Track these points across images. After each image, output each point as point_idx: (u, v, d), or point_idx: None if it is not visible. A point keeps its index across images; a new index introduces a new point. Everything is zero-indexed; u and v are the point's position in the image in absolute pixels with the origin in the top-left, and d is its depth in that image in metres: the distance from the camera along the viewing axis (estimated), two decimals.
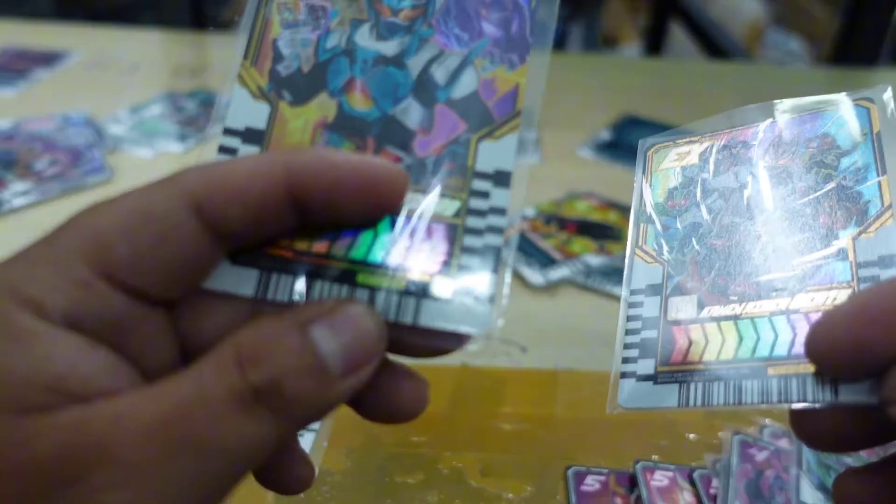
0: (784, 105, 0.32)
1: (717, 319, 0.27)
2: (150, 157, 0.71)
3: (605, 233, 0.65)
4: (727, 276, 0.28)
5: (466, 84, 0.25)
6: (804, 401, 0.24)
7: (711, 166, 0.32)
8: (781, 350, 0.25)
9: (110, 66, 0.87)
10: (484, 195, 0.23)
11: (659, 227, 0.31)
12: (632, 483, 0.41)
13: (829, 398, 0.23)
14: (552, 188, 0.71)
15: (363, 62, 0.25)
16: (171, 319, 0.21)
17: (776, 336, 0.26)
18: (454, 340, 0.22)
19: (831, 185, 0.29)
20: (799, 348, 0.25)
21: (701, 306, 0.28)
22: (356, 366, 0.20)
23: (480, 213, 0.23)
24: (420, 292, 0.22)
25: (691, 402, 0.26)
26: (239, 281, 0.22)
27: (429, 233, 0.23)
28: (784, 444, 0.43)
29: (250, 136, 0.24)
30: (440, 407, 0.46)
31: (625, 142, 0.80)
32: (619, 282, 0.49)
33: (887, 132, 0.29)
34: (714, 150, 0.33)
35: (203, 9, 1.17)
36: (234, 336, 0.19)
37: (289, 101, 0.25)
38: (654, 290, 0.29)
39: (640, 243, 0.31)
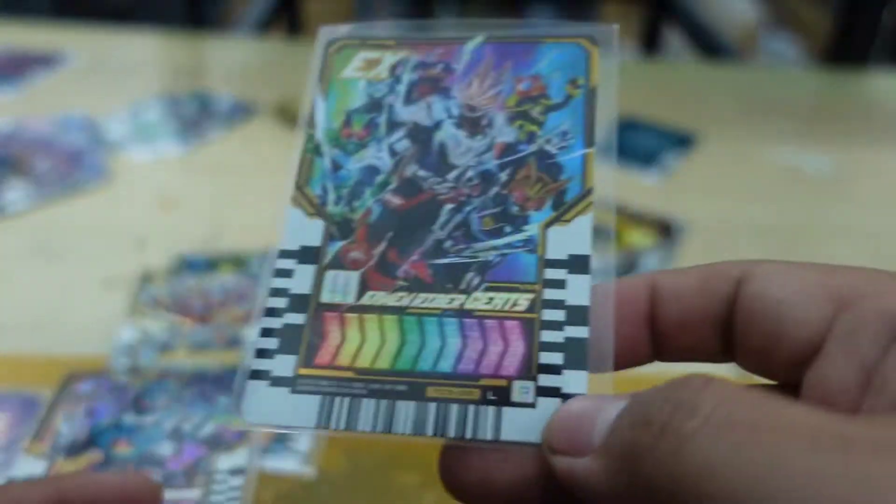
0: (499, 25, 0.25)
1: (380, 311, 0.22)
2: (149, 159, 0.69)
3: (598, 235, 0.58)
4: (400, 250, 0.23)
5: None
6: (463, 435, 0.20)
7: (404, 88, 0.25)
8: (446, 364, 0.21)
9: (109, 68, 0.86)
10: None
11: (328, 163, 0.24)
12: None
13: (491, 435, 0.20)
14: None
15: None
16: None
17: (443, 344, 0.21)
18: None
19: (533, 147, 0.24)
20: (467, 365, 0.21)
21: (363, 289, 0.22)
22: None
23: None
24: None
25: (333, 423, 0.20)
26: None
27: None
28: None
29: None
30: None
31: (622, 144, 0.75)
32: None
33: (605, 90, 0.24)
34: (410, 65, 0.26)
35: (202, 10, 1.20)
36: None
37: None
38: (310, 255, 0.23)
39: (300, 183, 0.24)
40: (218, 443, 0.41)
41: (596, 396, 0.19)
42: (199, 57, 0.94)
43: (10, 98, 0.78)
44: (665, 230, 0.60)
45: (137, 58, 0.89)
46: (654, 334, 0.21)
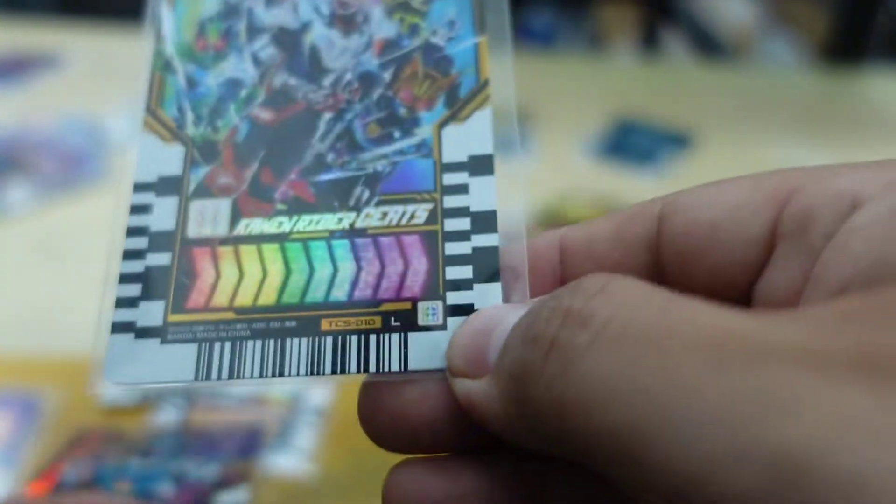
0: None
1: (258, 240, 0.19)
2: None
3: None
4: (276, 170, 0.20)
5: None
6: (366, 369, 0.17)
7: None
8: (340, 292, 0.18)
9: (111, 68, 0.81)
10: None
11: (182, 80, 0.21)
12: None
13: (398, 366, 0.17)
14: (548, 191, 0.67)
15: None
16: None
17: (335, 270, 0.18)
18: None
19: (417, 41, 0.21)
20: (364, 290, 0.18)
21: (236, 217, 0.19)
22: None
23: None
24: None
25: (214, 373, 0.17)
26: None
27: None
28: None
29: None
30: None
31: (619, 144, 0.75)
32: None
33: None
34: None
35: None
36: None
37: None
38: (170, 186, 0.20)
39: (152, 106, 0.21)
40: (220, 484, 0.39)
41: (500, 307, 0.17)
42: None
43: (12, 98, 0.78)
44: None
45: (141, 58, 0.86)
46: None
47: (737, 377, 0.11)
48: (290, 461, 0.41)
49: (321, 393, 0.45)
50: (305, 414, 0.44)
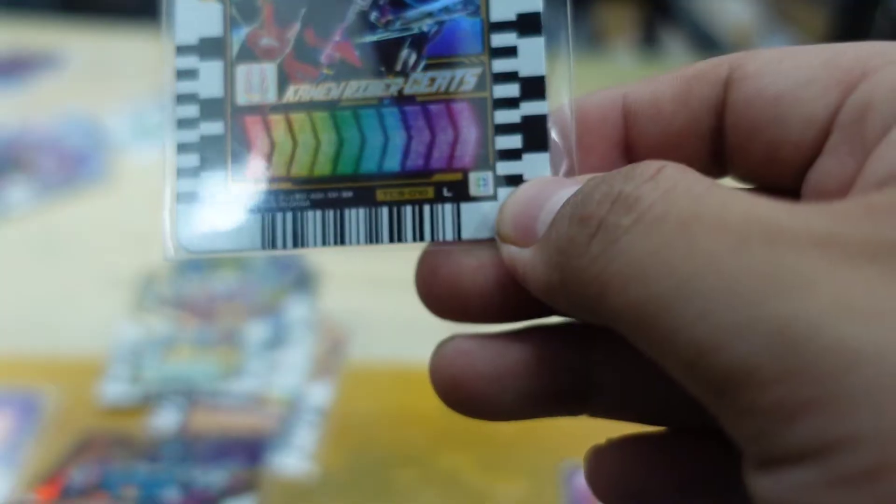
0: None
1: (308, 108, 0.19)
2: (151, 159, 0.68)
3: None
4: (319, 30, 0.19)
5: None
6: (421, 238, 0.18)
7: None
8: (392, 162, 0.19)
9: (112, 68, 0.83)
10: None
11: None
12: None
13: (451, 235, 0.18)
14: None
15: None
16: None
17: (386, 139, 0.19)
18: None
19: None
20: (416, 160, 0.19)
21: (284, 83, 0.19)
22: None
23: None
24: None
25: (279, 242, 0.19)
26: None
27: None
28: None
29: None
30: (436, 403, 0.36)
31: None
32: None
33: None
34: None
35: None
36: None
37: None
38: (213, 48, 0.19)
39: None
40: (227, 491, 0.39)
41: (550, 180, 0.18)
42: None
43: (12, 98, 0.78)
44: None
45: (140, 58, 0.82)
46: (632, 160, 0.18)
47: (754, 256, 0.12)
48: (290, 461, 0.41)
49: (321, 393, 0.46)
50: (305, 414, 0.44)
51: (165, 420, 0.43)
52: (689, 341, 0.12)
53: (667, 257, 0.13)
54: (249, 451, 0.42)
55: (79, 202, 0.63)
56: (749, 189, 0.18)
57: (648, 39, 1.56)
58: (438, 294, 0.18)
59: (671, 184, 0.14)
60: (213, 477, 0.40)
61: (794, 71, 0.16)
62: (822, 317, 0.11)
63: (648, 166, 0.15)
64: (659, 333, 0.13)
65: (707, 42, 1.37)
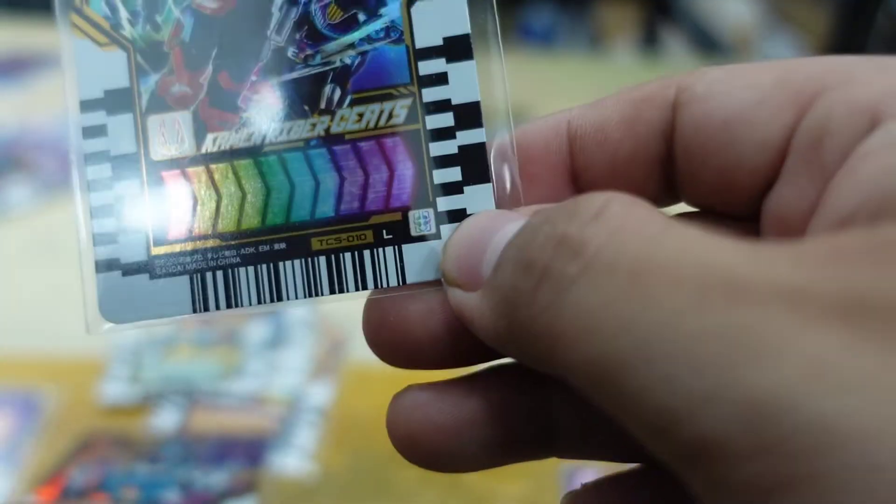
0: None
1: (230, 157, 0.18)
2: None
3: None
4: (234, 72, 0.18)
5: None
6: (364, 286, 0.17)
7: None
8: (326, 207, 0.17)
9: None
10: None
11: None
12: None
13: (395, 281, 0.17)
14: None
15: None
16: None
17: (317, 183, 0.18)
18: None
19: None
20: (351, 203, 0.17)
21: (201, 132, 0.18)
22: None
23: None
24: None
25: (211, 304, 0.17)
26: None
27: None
28: None
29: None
30: None
31: None
32: None
33: None
34: None
35: None
36: None
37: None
38: (121, 101, 0.18)
39: (77, 3, 0.18)
40: (227, 493, 0.39)
41: (494, 214, 0.16)
42: None
43: (12, 98, 0.78)
44: None
45: None
46: (579, 189, 0.17)
47: (716, 315, 0.11)
48: (290, 461, 0.41)
49: (321, 393, 0.45)
50: (305, 414, 0.44)
51: (165, 420, 0.44)
52: (653, 407, 0.11)
53: (620, 311, 0.12)
54: (249, 451, 0.42)
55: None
56: (704, 218, 0.17)
57: (649, 39, 1.54)
58: (387, 343, 0.17)
59: (618, 223, 0.13)
60: (214, 478, 0.40)
61: (744, 91, 0.15)
62: (797, 387, 0.10)
63: (592, 201, 0.13)
64: (618, 393, 0.12)
65: (707, 42, 1.36)
